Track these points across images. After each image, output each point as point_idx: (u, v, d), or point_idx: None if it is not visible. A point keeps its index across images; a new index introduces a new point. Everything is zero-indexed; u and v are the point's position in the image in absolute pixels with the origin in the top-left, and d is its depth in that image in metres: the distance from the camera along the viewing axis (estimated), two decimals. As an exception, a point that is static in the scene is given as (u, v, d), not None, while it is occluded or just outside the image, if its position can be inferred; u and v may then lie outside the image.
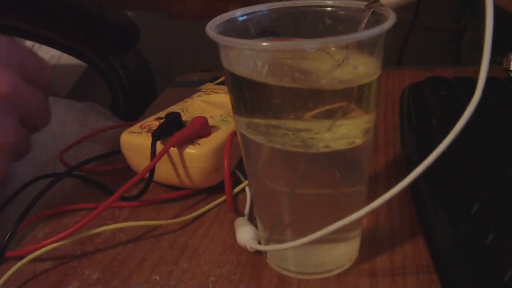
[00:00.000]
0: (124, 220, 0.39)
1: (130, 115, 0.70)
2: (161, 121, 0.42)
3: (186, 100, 0.49)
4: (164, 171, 0.41)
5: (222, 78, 0.59)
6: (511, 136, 0.37)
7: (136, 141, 0.42)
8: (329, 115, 0.27)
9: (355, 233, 0.32)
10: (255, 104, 0.28)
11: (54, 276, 0.34)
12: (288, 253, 0.32)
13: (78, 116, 0.60)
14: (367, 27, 0.28)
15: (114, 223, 0.37)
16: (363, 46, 0.26)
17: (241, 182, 0.42)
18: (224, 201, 0.40)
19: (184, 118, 0.43)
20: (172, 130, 0.41)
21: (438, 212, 0.33)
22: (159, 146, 0.40)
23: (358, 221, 0.31)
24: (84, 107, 0.64)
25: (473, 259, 0.27)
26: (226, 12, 0.29)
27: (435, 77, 0.53)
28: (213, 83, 0.58)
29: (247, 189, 0.41)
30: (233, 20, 0.30)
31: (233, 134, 0.41)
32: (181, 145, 0.40)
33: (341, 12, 0.30)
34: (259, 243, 0.33)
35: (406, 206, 0.37)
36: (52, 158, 0.50)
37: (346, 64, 0.26)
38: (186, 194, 0.42)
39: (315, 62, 0.27)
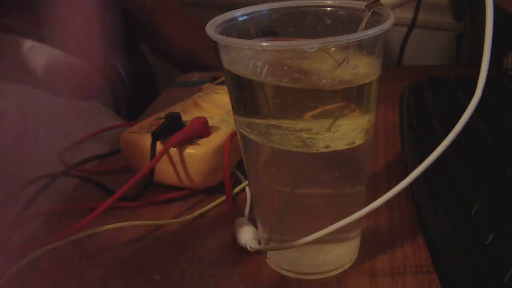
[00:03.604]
0: (124, 220, 0.39)
1: (131, 115, 0.70)
2: (161, 121, 0.42)
3: (186, 100, 0.49)
4: (164, 171, 0.41)
5: (222, 78, 0.59)
6: (511, 136, 0.37)
7: (136, 141, 0.42)
8: (329, 115, 0.27)
9: (355, 233, 0.32)
10: (255, 104, 0.28)
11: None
12: (288, 253, 0.31)
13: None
14: (367, 27, 0.28)
15: (114, 223, 0.37)
16: (363, 46, 0.26)
17: (241, 182, 0.42)
18: (224, 201, 0.40)
19: (184, 118, 0.43)
20: (172, 130, 0.41)
21: (438, 212, 0.33)
22: (159, 146, 0.40)
23: (358, 221, 0.31)
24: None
25: (473, 259, 0.27)
26: None
27: (435, 77, 0.53)
28: (213, 83, 0.58)
29: (247, 189, 0.41)
30: (233, 20, 0.30)
31: (233, 134, 0.41)
32: (181, 145, 0.40)
33: (341, 12, 0.30)
34: (259, 243, 0.33)
35: (406, 206, 0.37)
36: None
37: (346, 64, 0.26)
38: (186, 194, 0.42)
39: (315, 62, 0.27)
